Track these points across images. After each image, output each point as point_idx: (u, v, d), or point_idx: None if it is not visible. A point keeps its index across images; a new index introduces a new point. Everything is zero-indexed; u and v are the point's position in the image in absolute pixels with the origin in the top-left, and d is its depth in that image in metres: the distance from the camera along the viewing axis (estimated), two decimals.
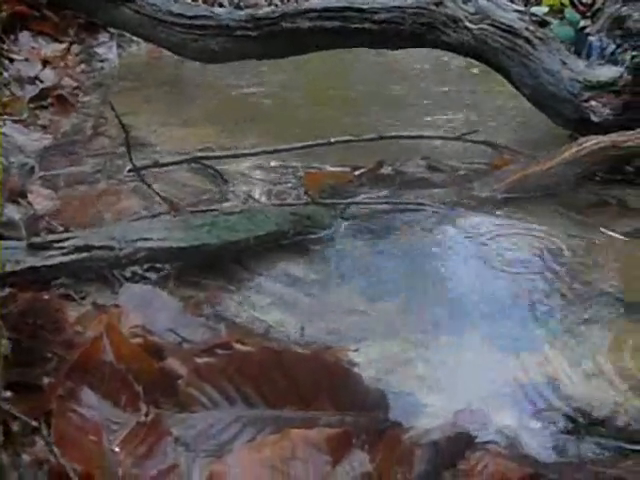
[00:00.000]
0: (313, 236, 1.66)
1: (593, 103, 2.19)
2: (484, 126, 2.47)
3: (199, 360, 1.05)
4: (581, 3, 3.64)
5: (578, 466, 1.01)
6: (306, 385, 1.03)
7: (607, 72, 2.24)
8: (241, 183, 1.97)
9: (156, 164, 1.80)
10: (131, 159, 1.65)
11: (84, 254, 1.44)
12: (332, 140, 1.82)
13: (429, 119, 2.51)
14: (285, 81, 3.19)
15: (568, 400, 1.18)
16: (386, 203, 1.78)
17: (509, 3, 2.53)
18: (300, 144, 1.84)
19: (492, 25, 2.37)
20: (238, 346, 1.06)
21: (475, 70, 3.08)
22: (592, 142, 1.88)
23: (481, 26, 2.38)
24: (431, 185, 1.93)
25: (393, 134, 1.91)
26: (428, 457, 0.94)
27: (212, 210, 1.67)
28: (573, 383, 1.23)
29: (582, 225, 1.78)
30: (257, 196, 1.86)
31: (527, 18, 2.42)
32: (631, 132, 1.94)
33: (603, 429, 1.10)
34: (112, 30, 3.29)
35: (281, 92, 3.10)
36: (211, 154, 1.86)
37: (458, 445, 0.99)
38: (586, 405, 1.16)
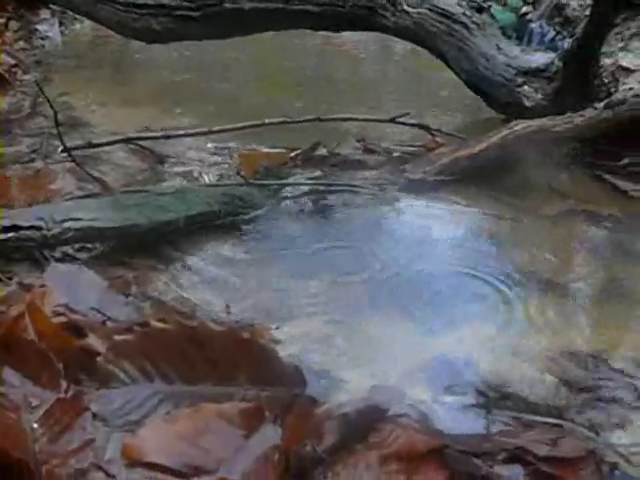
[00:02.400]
0: (245, 216, 1.67)
1: (526, 88, 2.23)
2: (423, 109, 2.51)
3: (118, 337, 1.07)
4: None
5: (484, 437, 1.05)
6: (222, 361, 1.05)
7: (540, 58, 2.28)
8: (177, 164, 1.98)
9: (89, 145, 1.80)
10: (61, 139, 1.65)
11: (11, 234, 1.43)
12: (266, 121, 1.83)
13: (367, 101, 2.54)
14: (230, 61, 3.19)
15: (482, 376, 1.22)
16: (319, 184, 1.80)
17: None
18: (233, 125, 1.84)
19: (430, 10, 2.40)
20: (155, 323, 1.07)
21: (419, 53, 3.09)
22: (521, 126, 1.92)
23: (420, 10, 2.41)
24: (365, 167, 1.95)
25: (328, 117, 1.93)
26: (337, 429, 0.97)
27: (144, 190, 1.67)
28: (488, 360, 1.27)
29: (511, 207, 1.82)
30: (191, 177, 1.87)
31: (465, 3, 2.45)
32: (560, 117, 1.98)
33: (511, 403, 1.14)
34: (54, 7, 3.24)
35: (225, 73, 3.10)
36: (143, 135, 1.86)
37: (369, 418, 1.02)
38: (498, 381, 1.20)
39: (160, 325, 1.07)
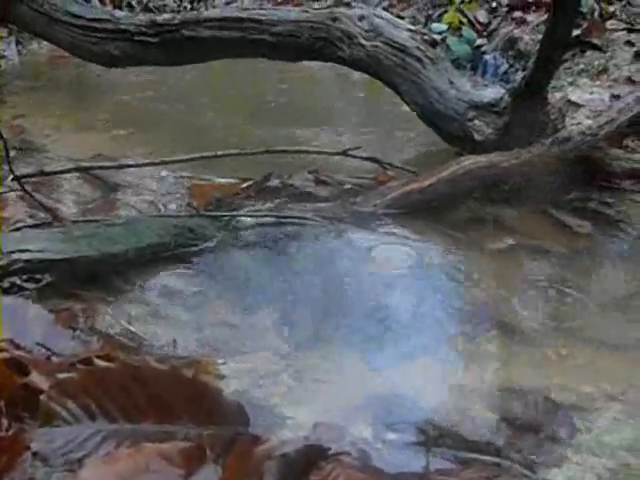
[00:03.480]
0: (195, 248, 1.68)
1: (477, 122, 2.28)
2: (377, 141, 2.56)
3: (61, 375, 1.07)
4: (478, 22, 3.77)
5: (422, 476, 1.07)
6: (165, 400, 1.06)
7: (491, 93, 2.34)
8: (129, 193, 1.98)
9: (40, 173, 1.79)
10: (10, 167, 1.64)
11: None
12: (218, 153, 1.85)
13: (320, 133, 2.57)
14: (189, 87, 3.21)
15: (424, 413, 1.24)
16: (270, 216, 1.81)
17: (403, 22, 2.62)
18: (185, 157, 1.86)
19: (385, 43, 2.45)
20: (99, 361, 1.08)
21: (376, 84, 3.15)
22: (470, 161, 1.96)
23: (374, 43, 2.46)
24: (317, 199, 1.98)
25: (279, 148, 1.95)
26: (277, 469, 0.98)
27: (94, 221, 1.68)
28: (431, 397, 1.29)
29: (458, 241, 1.86)
30: (143, 206, 1.87)
31: (418, 37, 2.50)
32: (508, 152, 2.03)
33: (451, 440, 1.16)
34: (11, 26, 3.23)
35: (183, 98, 3.12)
36: (96, 164, 1.86)
37: (311, 457, 1.04)
38: (439, 418, 1.22)
39: (103, 363, 1.07)
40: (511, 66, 3.49)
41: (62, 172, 1.83)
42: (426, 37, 2.54)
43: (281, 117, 2.93)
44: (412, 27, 2.50)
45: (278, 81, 3.49)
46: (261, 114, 2.94)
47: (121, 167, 1.82)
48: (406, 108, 2.52)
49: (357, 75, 3.30)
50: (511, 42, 3.59)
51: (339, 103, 3.19)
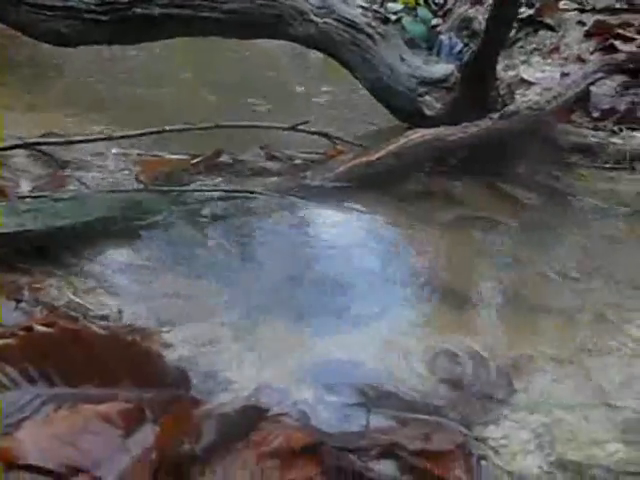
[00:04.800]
0: (144, 222, 1.68)
1: (427, 98, 2.31)
2: (331, 117, 2.57)
3: (0, 342, 1.07)
4: (434, 2, 3.80)
5: (360, 434, 1.09)
6: (105, 363, 1.07)
7: (441, 69, 2.36)
8: (79, 170, 1.97)
9: None
10: None
11: None
12: (166, 128, 1.85)
13: (274, 109, 2.58)
14: (144, 66, 3.19)
15: (365, 376, 1.26)
16: (219, 190, 1.82)
17: None
18: (134, 132, 1.85)
19: (336, 20, 2.46)
20: (39, 327, 1.08)
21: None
22: (417, 135, 1.99)
23: (326, 20, 2.47)
24: (267, 173, 1.99)
25: (229, 123, 1.96)
26: (215, 428, 1.00)
27: (41, 196, 1.67)
28: (373, 360, 1.31)
29: (406, 213, 1.88)
30: (92, 183, 1.87)
31: (370, 15, 2.51)
32: (456, 126, 2.06)
33: (390, 401, 1.18)
34: None
35: (138, 76, 3.11)
36: (42, 140, 1.85)
37: (250, 418, 1.05)
38: (380, 380, 1.24)
39: (43, 329, 1.08)
40: (466, 45, 3.52)
41: (8, 148, 1.81)
42: (378, 14, 2.53)
43: (236, 94, 2.93)
44: (364, 4, 2.50)
45: (235, 59, 3.49)
46: (217, 92, 2.93)
47: (69, 143, 1.81)
48: (359, 85, 2.53)
49: (314, 54, 3.33)
50: (466, 22, 3.62)
51: (294, 81, 3.19)
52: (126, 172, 1.96)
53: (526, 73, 3.02)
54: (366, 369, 1.28)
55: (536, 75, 3.00)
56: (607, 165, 2.27)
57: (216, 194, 1.83)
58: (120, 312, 1.37)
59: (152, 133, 1.84)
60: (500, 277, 1.70)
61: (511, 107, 2.15)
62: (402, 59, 2.40)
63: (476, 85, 2.21)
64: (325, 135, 2.04)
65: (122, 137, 1.84)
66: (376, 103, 2.49)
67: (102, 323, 1.32)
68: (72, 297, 1.42)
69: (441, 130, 2.02)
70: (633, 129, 2.42)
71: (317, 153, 2.11)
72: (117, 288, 1.50)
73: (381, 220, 1.84)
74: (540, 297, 1.61)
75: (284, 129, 2.05)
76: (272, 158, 2.06)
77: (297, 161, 2.06)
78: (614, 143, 2.32)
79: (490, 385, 1.28)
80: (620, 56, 2.68)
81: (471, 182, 2.05)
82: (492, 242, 1.86)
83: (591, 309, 1.56)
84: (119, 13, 2.65)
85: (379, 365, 1.31)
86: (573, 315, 1.55)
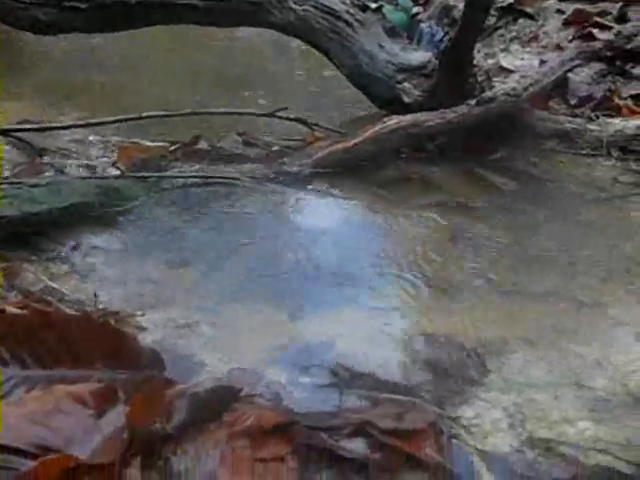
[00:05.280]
0: (120, 208, 1.69)
1: (406, 85, 2.31)
2: (309, 104, 2.57)
3: None
4: None
5: (332, 414, 1.10)
6: (79, 345, 1.07)
7: (419, 56, 2.37)
8: (56, 157, 1.97)
9: None
10: None
11: None
12: (143, 115, 1.85)
13: (254, 97, 2.58)
14: (123, 54, 3.18)
15: (339, 358, 1.27)
16: (197, 177, 1.82)
17: None
18: (111, 118, 1.85)
19: (315, 7, 2.46)
20: (11, 309, 1.08)
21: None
22: (394, 121, 2.00)
23: (305, 7, 2.47)
24: (245, 160, 1.99)
25: (206, 110, 1.96)
26: (187, 408, 1.00)
27: (17, 183, 1.67)
28: (347, 343, 1.32)
29: (383, 199, 1.89)
30: (69, 169, 1.87)
31: (349, 2, 2.52)
32: (433, 112, 2.07)
33: (364, 382, 1.19)
34: None
35: (118, 64, 3.10)
36: (18, 127, 1.85)
37: (222, 398, 1.06)
38: (353, 362, 1.25)
39: (16, 311, 1.08)
40: (446, 34, 3.52)
41: None
42: (357, 2, 2.53)
43: (216, 82, 2.93)
44: None
45: (216, 47, 3.48)
46: (197, 80, 2.93)
47: (45, 129, 1.81)
48: (338, 72, 2.54)
49: (294, 42, 3.33)
50: (446, 10, 3.62)
51: (273, 68, 3.19)
52: (104, 159, 1.96)
53: (505, 61, 3.03)
54: (340, 351, 1.29)
55: (515, 63, 3.01)
56: (584, 151, 2.29)
57: (194, 180, 1.83)
58: (96, 296, 1.38)
59: (129, 120, 1.84)
60: (476, 261, 1.71)
61: (488, 93, 2.16)
62: (380, 46, 2.41)
63: (454, 72, 2.22)
64: (302, 121, 2.05)
65: (99, 124, 1.84)
66: (356, 91, 2.49)
67: (77, 307, 1.33)
68: (48, 282, 1.42)
69: (418, 116, 2.03)
70: (610, 116, 2.43)
71: (295, 140, 2.12)
72: (93, 273, 1.50)
73: (358, 205, 1.85)
74: (516, 281, 1.63)
75: (262, 115, 2.05)
76: (250, 145, 2.06)
77: (275, 148, 2.06)
78: (591, 130, 2.34)
79: (463, 366, 1.29)
80: (597, 44, 2.69)
81: (449, 168, 2.06)
82: (469, 227, 1.87)
83: (567, 292, 1.58)
84: (97, 1, 2.64)
85: (353, 347, 1.32)
86: (548, 298, 1.56)
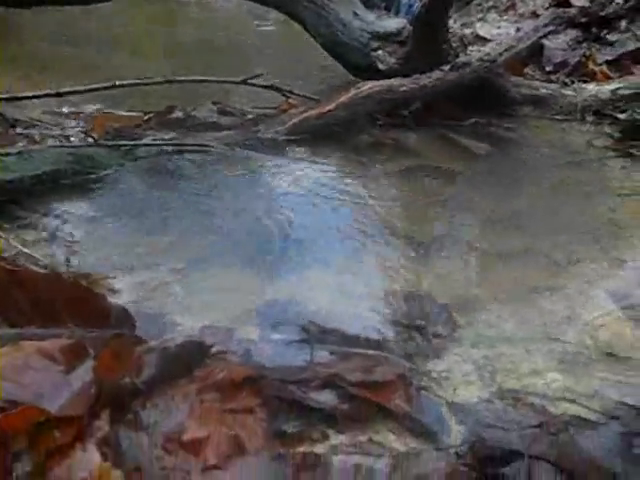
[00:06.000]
0: (94, 176, 1.68)
1: (380, 52, 2.31)
2: (285, 73, 2.56)
3: None
4: None
5: (302, 368, 1.11)
6: (49, 305, 1.07)
7: (394, 24, 2.37)
8: (30, 127, 1.96)
9: None
10: None
11: None
12: (116, 83, 1.84)
13: (229, 64, 2.57)
14: (106, 27, 3.16)
15: (310, 315, 1.27)
16: (170, 144, 1.82)
17: None
18: (83, 87, 1.84)
19: None
20: None
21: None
22: (368, 86, 2.00)
23: None
24: (220, 128, 1.99)
25: (180, 78, 1.95)
26: (156, 363, 1.01)
27: None
28: (320, 302, 1.33)
29: (358, 163, 1.89)
30: (42, 139, 1.86)
31: None
32: (407, 78, 2.07)
33: (334, 338, 1.20)
34: None
35: (99, 37, 3.08)
36: None
37: (192, 354, 1.07)
38: (325, 319, 1.26)
39: None
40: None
41: None
42: None
43: (195, 53, 2.92)
44: None
45: (196, 21, 3.47)
46: (176, 51, 2.92)
47: (16, 99, 1.80)
48: (315, 43, 2.53)
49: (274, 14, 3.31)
50: None
51: (252, 40, 3.18)
52: (77, 129, 1.95)
53: (482, 30, 3.04)
54: (311, 309, 1.30)
55: (492, 32, 3.02)
56: (559, 116, 2.30)
57: (168, 149, 1.82)
58: (67, 261, 1.38)
59: (102, 89, 1.83)
60: (451, 222, 1.72)
61: (462, 59, 2.16)
62: (355, 14, 2.40)
63: (428, 38, 2.22)
64: (276, 89, 2.05)
65: (71, 93, 1.83)
66: (332, 60, 2.49)
67: (48, 270, 1.33)
68: (21, 248, 1.42)
69: (392, 82, 2.03)
70: (584, 81, 2.44)
71: (270, 108, 2.11)
72: (66, 239, 1.50)
73: (333, 170, 1.85)
74: (491, 241, 1.64)
75: (235, 83, 2.04)
76: (225, 113, 2.06)
77: (250, 116, 2.06)
78: (566, 95, 2.35)
79: (435, 322, 1.30)
80: (572, 10, 2.70)
81: (423, 133, 2.06)
82: (443, 190, 1.88)
83: (540, 251, 1.59)
84: None
85: (325, 305, 1.33)
86: (522, 257, 1.57)
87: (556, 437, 1.05)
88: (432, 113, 2.11)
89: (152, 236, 1.54)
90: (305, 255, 1.52)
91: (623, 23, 2.72)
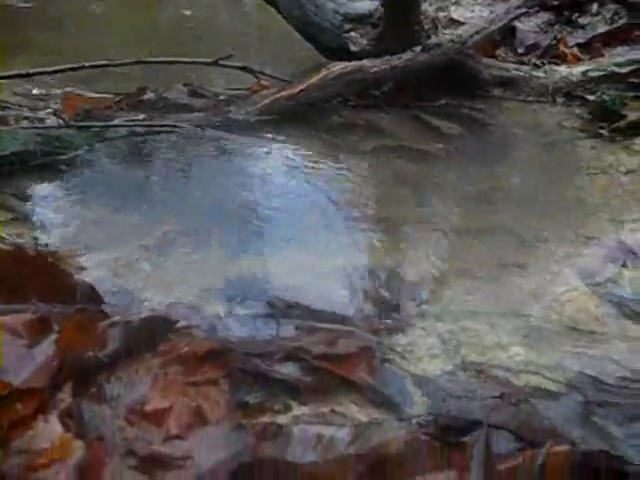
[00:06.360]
0: (64, 157, 1.68)
1: (352, 34, 2.32)
2: (259, 54, 2.57)
3: None
4: None
5: (267, 341, 1.12)
6: (12, 280, 1.08)
7: (366, 5, 2.37)
8: None
9: None
10: None
11: None
12: (86, 64, 1.83)
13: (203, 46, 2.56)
14: (79, 10, 3.14)
15: (278, 291, 1.28)
16: (140, 125, 1.82)
17: None
18: (52, 68, 1.83)
19: None
20: None
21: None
22: (340, 67, 2.00)
23: None
24: (191, 109, 1.99)
25: (151, 59, 1.94)
26: (120, 337, 1.02)
27: None
28: (287, 278, 1.34)
29: (329, 144, 1.90)
30: (11, 120, 1.85)
31: None
32: (378, 59, 2.07)
33: (300, 312, 1.21)
34: None
35: (72, 21, 3.06)
36: None
37: (157, 329, 1.07)
38: (292, 294, 1.27)
39: None
40: None
41: None
42: None
43: (169, 36, 2.91)
44: None
45: (171, 4, 3.46)
46: (150, 34, 2.91)
47: None
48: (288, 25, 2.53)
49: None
50: None
51: (227, 22, 3.18)
52: (48, 111, 1.95)
53: (456, 13, 3.04)
54: (278, 285, 1.31)
55: (466, 15, 3.02)
56: (530, 98, 2.32)
57: (139, 130, 1.82)
58: (36, 239, 1.38)
59: (70, 70, 1.82)
60: (422, 201, 1.74)
61: (434, 40, 2.17)
62: None
63: (399, 19, 2.22)
64: (247, 69, 2.04)
65: (40, 73, 1.82)
66: (305, 42, 2.49)
67: (14, 248, 1.32)
68: None
69: (363, 62, 2.04)
70: (555, 64, 2.46)
71: (242, 89, 2.11)
72: (35, 219, 1.50)
73: (304, 150, 1.85)
74: (461, 219, 1.66)
75: (206, 64, 2.04)
76: (196, 95, 2.06)
77: (222, 97, 2.06)
78: (537, 77, 2.37)
79: (401, 297, 1.31)
80: None
81: (395, 114, 2.07)
82: (415, 170, 1.89)
83: (510, 229, 1.61)
84: None
85: (292, 281, 1.34)
86: (491, 235, 1.59)
87: (517, 407, 1.07)
88: (404, 94, 2.11)
89: (121, 214, 1.54)
90: (274, 233, 1.53)
91: (594, 6, 2.74)
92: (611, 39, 2.56)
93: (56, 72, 1.84)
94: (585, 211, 1.70)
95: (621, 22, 2.63)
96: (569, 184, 1.85)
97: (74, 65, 1.84)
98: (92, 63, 1.86)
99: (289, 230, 1.54)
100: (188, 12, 3.42)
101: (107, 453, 0.85)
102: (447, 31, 2.66)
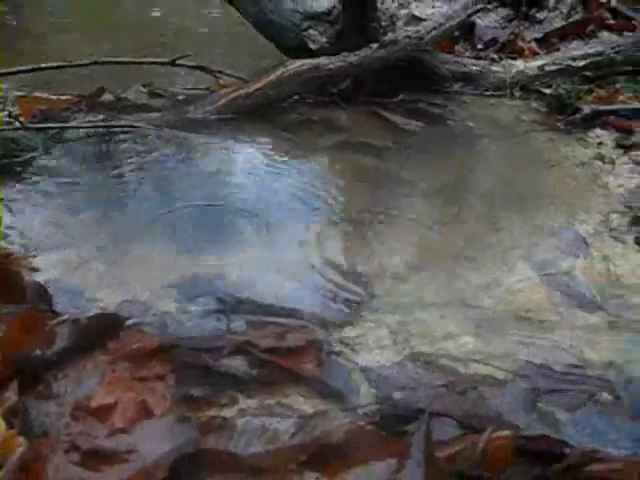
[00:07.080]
0: (20, 159, 1.68)
1: (311, 32, 2.33)
2: (220, 55, 2.57)
3: None
4: None
5: (215, 336, 1.14)
6: None
7: (324, 3, 2.38)
8: None
9: None
10: None
11: None
12: (42, 66, 1.83)
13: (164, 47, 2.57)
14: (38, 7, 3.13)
15: (230, 288, 1.30)
16: (98, 126, 1.82)
17: None
18: (6, 70, 1.83)
19: None
20: None
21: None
22: (296, 64, 2.01)
23: None
24: (150, 109, 2.00)
25: (108, 60, 1.95)
26: (68, 335, 1.03)
27: None
28: (238, 275, 1.35)
29: (287, 141, 1.92)
30: None
31: None
32: (335, 56, 2.09)
33: (249, 307, 1.23)
34: None
35: (33, 18, 3.05)
36: None
37: (106, 326, 1.08)
38: (242, 290, 1.28)
39: None
40: None
41: None
42: None
43: (131, 36, 2.91)
44: None
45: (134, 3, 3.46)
46: (113, 35, 2.90)
47: None
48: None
49: None
50: None
51: (189, 22, 3.18)
52: (4, 113, 1.94)
53: (417, 10, 3.06)
54: (230, 281, 1.32)
55: (427, 11, 3.04)
56: (488, 92, 2.34)
57: (98, 131, 1.83)
58: None
59: (27, 71, 1.82)
60: (379, 197, 1.75)
61: (390, 36, 2.19)
62: None
63: (357, 17, 2.24)
64: (204, 69, 2.05)
65: None
66: (266, 41, 2.50)
67: None
68: None
69: (319, 60, 2.05)
70: (513, 58, 2.49)
71: (200, 89, 2.12)
72: None
73: (263, 148, 1.87)
74: (416, 213, 1.67)
75: (163, 64, 2.04)
76: (155, 95, 2.06)
77: (180, 97, 2.07)
78: (495, 71, 2.39)
79: (351, 290, 1.33)
80: None
81: (352, 111, 2.09)
82: (372, 165, 1.90)
83: (464, 222, 1.63)
84: None
85: (244, 277, 1.35)
86: (446, 228, 1.61)
87: (464, 395, 1.09)
88: (361, 91, 2.13)
89: (76, 216, 1.54)
90: (229, 231, 1.54)
91: (551, 2, 2.78)
92: (567, 34, 2.60)
93: (10, 74, 1.83)
94: (540, 202, 1.73)
95: (577, 17, 2.67)
96: (526, 176, 1.88)
97: (29, 67, 1.83)
98: (49, 64, 1.85)
99: (245, 225, 1.56)
100: (154, 9, 3.42)
101: (51, 449, 0.86)
102: (408, 28, 2.68)
